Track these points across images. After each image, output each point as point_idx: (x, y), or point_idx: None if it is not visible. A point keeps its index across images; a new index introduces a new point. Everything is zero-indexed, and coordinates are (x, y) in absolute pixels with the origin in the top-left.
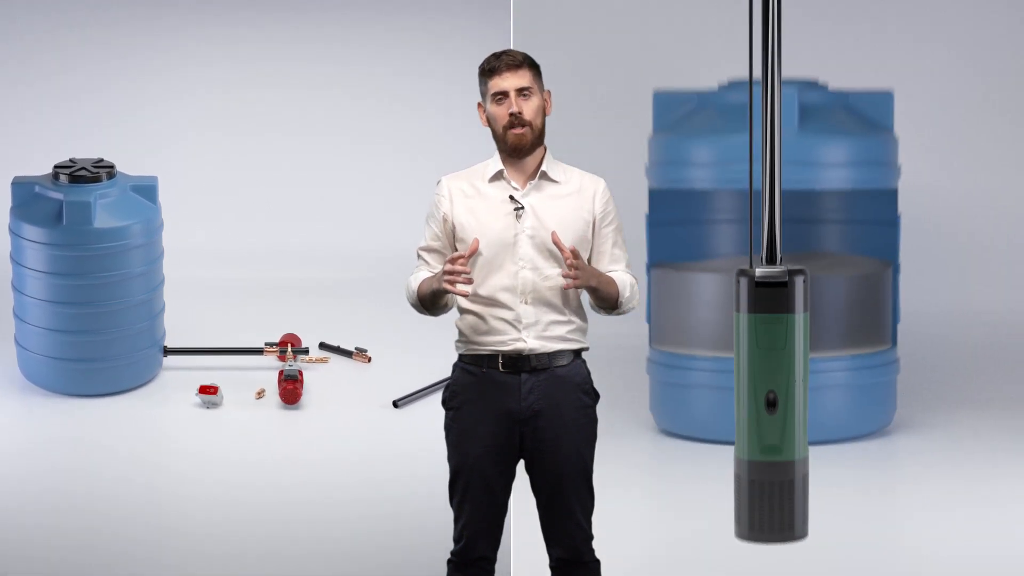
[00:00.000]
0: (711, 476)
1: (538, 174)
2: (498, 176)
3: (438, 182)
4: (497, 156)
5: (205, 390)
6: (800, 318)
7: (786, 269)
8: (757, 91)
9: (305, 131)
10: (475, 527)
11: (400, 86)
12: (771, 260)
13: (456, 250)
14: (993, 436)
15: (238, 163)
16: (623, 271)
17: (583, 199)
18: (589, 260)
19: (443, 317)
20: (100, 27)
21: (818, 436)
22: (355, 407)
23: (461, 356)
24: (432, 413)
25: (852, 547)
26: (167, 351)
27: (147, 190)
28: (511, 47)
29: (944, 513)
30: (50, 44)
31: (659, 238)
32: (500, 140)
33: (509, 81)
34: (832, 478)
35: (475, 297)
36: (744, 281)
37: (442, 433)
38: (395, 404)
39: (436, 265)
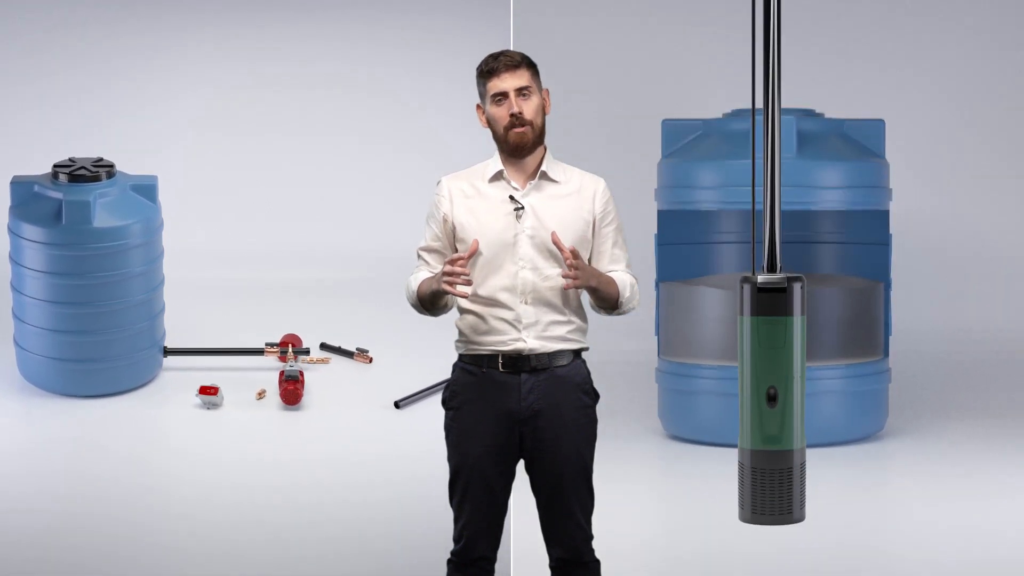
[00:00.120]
0: (715, 477)
1: (538, 174)
2: (498, 176)
3: (438, 182)
4: (497, 156)
5: (205, 391)
6: (798, 320)
7: (785, 276)
8: (759, 119)
9: (305, 131)
10: (475, 527)
11: (400, 86)
12: (772, 268)
13: (456, 250)
14: (979, 443)
15: (238, 163)
16: (623, 271)
17: (583, 199)
18: (589, 260)
19: (443, 317)
20: (100, 26)
21: (814, 439)
22: (356, 408)
23: (461, 356)
24: (433, 414)
25: (847, 543)
26: (167, 351)
27: (147, 189)
28: (510, 47)
29: (932, 512)
30: (49, 43)
31: (667, 256)
32: (501, 141)
33: (508, 82)
34: (827, 478)
35: (475, 297)
36: (747, 287)
37: (443, 434)
38: (397, 405)
39: (436, 265)
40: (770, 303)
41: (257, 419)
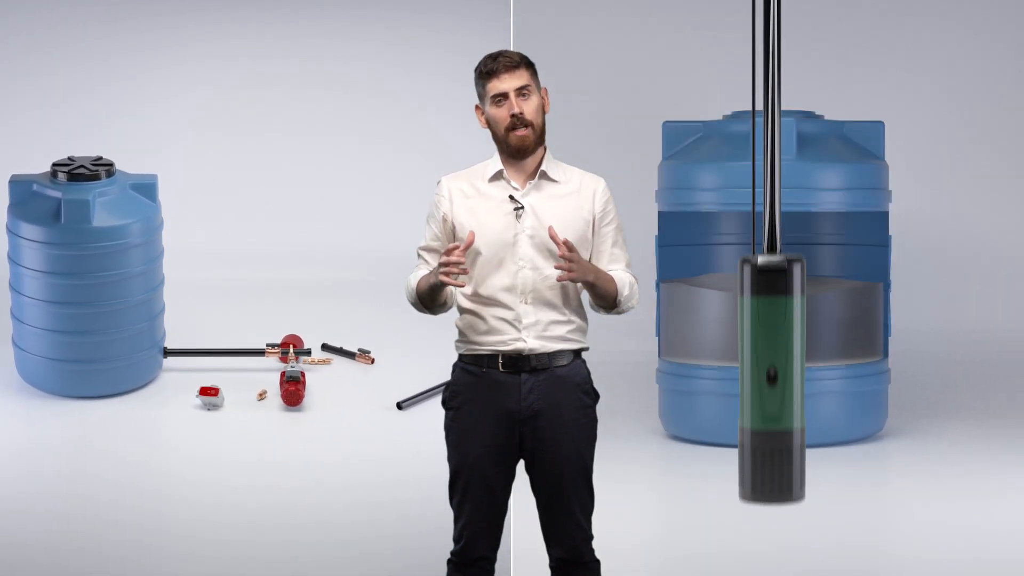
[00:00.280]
0: (715, 477)
1: (538, 174)
2: (498, 176)
3: (438, 182)
4: (497, 156)
5: (206, 392)
6: (798, 300)
7: (785, 257)
8: (759, 121)
9: (305, 131)
10: (475, 527)
11: (401, 86)
12: (772, 248)
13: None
14: (979, 443)
15: (238, 162)
16: (623, 270)
17: (583, 198)
18: (589, 259)
19: (443, 317)
20: (99, 24)
21: (815, 439)
22: (358, 409)
23: (461, 356)
24: (435, 415)
25: (847, 543)
26: (167, 352)
27: (147, 188)
28: (510, 47)
29: (932, 512)
30: (49, 41)
31: (668, 257)
32: (501, 142)
33: (508, 82)
34: (827, 478)
35: (475, 297)
36: (747, 268)
37: (444, 434)
38: (399, 406)
39: (435, 265)
40: (770, 283)
41: (258, 420)
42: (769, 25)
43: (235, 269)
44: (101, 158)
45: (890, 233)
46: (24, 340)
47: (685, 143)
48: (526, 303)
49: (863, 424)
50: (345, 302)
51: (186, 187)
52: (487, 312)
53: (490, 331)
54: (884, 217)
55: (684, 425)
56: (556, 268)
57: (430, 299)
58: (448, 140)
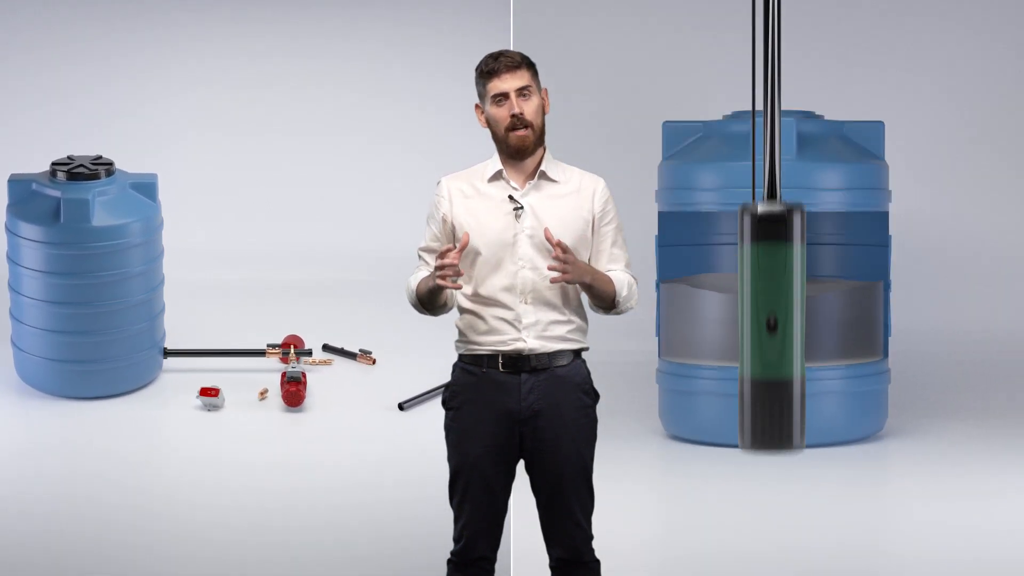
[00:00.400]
0: (715, 477)
1: (537, 174)
2: (497, 176)
3: (438, 183)
4: (496, 156)
5: (206, 392)
6: (798, 248)
7: (785, 205)
8: (759, 121)
9: (306, 131)
10: (475, 527)
11: (401, 86)
12: (772, 195)
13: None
14: (979, 443)
15: (239, 162)
16: (622, 270)
17: (582, 198)
18: (589, 259)
19: (444, 317)
20: (99, 23)
21: (815, 439)
22: (359, 409)
23: (461, 356)
24: (437, 415)
25: (847, 543)
26: (167, 353)
27: (147, 187)
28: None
29: (932, 512)
30: (48, 39)
31: (668, 257)
32: (501, 142)
33: (508, 82)
34: (827, 478)
35: (475, 297)
36: (748, 215)
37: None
38: (400, 406)
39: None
40: (770, 229)
41: (259, 421)
42: (769, 24)
43: (235, 269)
44: (101, 157)
45: (890, 233)
46: (23, 340)
47: (685, 143)
48: (526, 303)
49: (863, 424)
50: (346, 302)
51: (186, 187)
52: (487, 312)
53: (490, 331)
54: (884, 217)
55: (684, 425)
56: (550, 269)
57: (430, 301)
58: (448, 140)
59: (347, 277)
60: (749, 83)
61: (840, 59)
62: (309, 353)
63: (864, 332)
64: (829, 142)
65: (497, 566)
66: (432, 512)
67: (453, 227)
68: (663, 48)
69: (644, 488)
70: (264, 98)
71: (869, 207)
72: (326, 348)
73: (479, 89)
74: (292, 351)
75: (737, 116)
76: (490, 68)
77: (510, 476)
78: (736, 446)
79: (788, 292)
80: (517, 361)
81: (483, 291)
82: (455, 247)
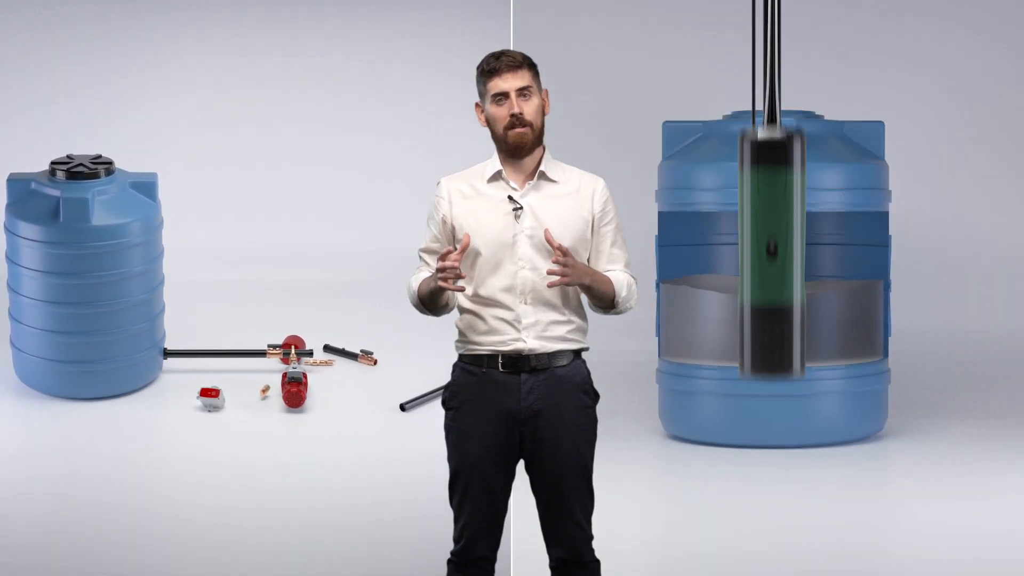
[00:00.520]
0: (715, 477)
1: (536, 174)
2: (497, 176)
3: (437, 183)
4: (496, 156)
5: (206, 393)
6: (797, 173)
7: (785, 130)
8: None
9: (307, 131)
10: (475, 527)
11: (401, 86)
12: (771, 120)
13: (455, 249)
14: (979, 443)
15: (240, 162)
16: (621, 270)
17: (582, 198)
18: (588, 259)
19: (446, 318)
20: (99, 22)
21: (815, 439)
22: (360, 410)
23: (461, 356)
24: (439, 416)
25: (847, 543)
26: (167, 353)
27: (146, 187)
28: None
29: (932, 512)
30: (47, 38)
31: (668, 257)
32: (500, 141)
33: (509, 82)
34: (827, 478)
35: (475, 297)
36: (748, 142)
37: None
38: (402, 407)
39: (436, 265)
40: (770, 154)
41: (259, 422)
42: (769, 25)
43: (236, 269)
44: (100, 156)
45: (890, 233)
46: (22, 341)
47: (685, 143)
48: (526, 303)
49: (863, 424)
50: (347, 303)
51: (186, 187)
52: (487, 312)
53: (490, 331)
54: (884, 217)
55: (684, 425)
56: (549, 273)
57: (432, 302)
58: (449, 140)
59: (348, 277)
60: (749, 83)
61: (840, 59)
62: (310, 354)
63: (864, 332)
64: (829, 142)
65: (497, 566)
66: (433, 512)
67: (453, 228)
68: (663, 48)
69: (644, 488)
70: (264, 98)
71: (869, 207)
72: (327, 349)
73: (480, 88)
74: (293, 352)
75: (737, 116)
76: (491, 67)
77: (510, 476)
78: (736, 446)
79: (788, 217)
80: (517, 361)
81: (483, 291)
82: (455, 249)
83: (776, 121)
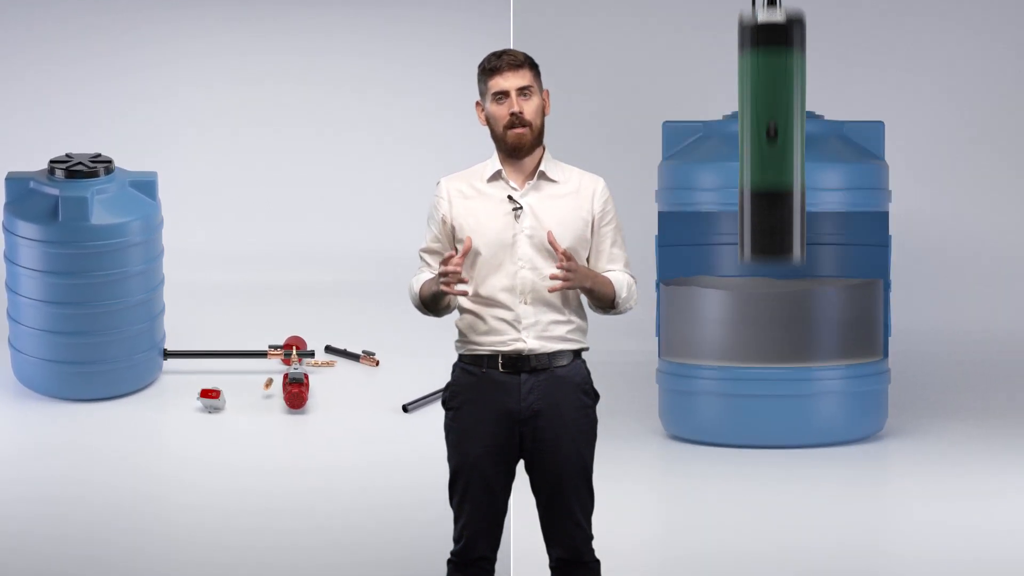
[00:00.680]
0: (715, 477)
1: (536, 174)
2: (497, 176)
3: (437, 183)
4: (496, 156)
5: (207, 394)
6: (798, 55)
7: (785, 12)
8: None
9: (309, 131)
10: (475, 527)
11: (402, 86)
12: (772, 3)
13: (457, 251)
14: (979, 443)
15: (240, 162)
16: (621, 270)
17: (582, 198)
18: (588, 259)
19: (448, 319)
20: (98, 19)
21: (815, 439)
22: (362, 411)
23: (461, 356)
24: (442, 417)
25: (847, 543)
26: (167, 354)
27: (146, 186)
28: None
29: (932, 512)
30: (46, 35)
31: (667, 257)
32: (499, 140)
33: (510, 81)
34: (827, 478)
35: (475, 297)
36: (748, 24)
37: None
38: (405, 408)
39: (437, 266)
40: (770, 36)
41: (260, 423)
42: None
43: (236, 270)
44: (100, 155)
45: (890, 233)
46: (21, 341)
47: (685, 143)
48: (526, 303)
49: (863, 424)
50: (349, 303)
51: (186, 187)
52: (487, 312)
53: (490, 331)
54: (884, 217)
55: (684, 425)
56: (552, 278)
57: (433, 304)
58: (450, 140)
59: (350, 278)
60: None
61: (840, 59)
62: (311, 354)
63: (864, 332)
64: (829, 142)
65: (497, 566)
66: (434, 513)
67: (453, 228)
68: (663, 48)
69: (644, 488)
70: (264, 97)
71: (869, 207)
72: (329, 350)
73: (481, 86)
74: (294, 352)
75: (737, 116)
76: (493, 66)
77: (510, 476)
78: (736, 446)
79: (788, 100)
80: (517, 361)
81: (483, 291)
82: (457, 253)
83: (777, 3)
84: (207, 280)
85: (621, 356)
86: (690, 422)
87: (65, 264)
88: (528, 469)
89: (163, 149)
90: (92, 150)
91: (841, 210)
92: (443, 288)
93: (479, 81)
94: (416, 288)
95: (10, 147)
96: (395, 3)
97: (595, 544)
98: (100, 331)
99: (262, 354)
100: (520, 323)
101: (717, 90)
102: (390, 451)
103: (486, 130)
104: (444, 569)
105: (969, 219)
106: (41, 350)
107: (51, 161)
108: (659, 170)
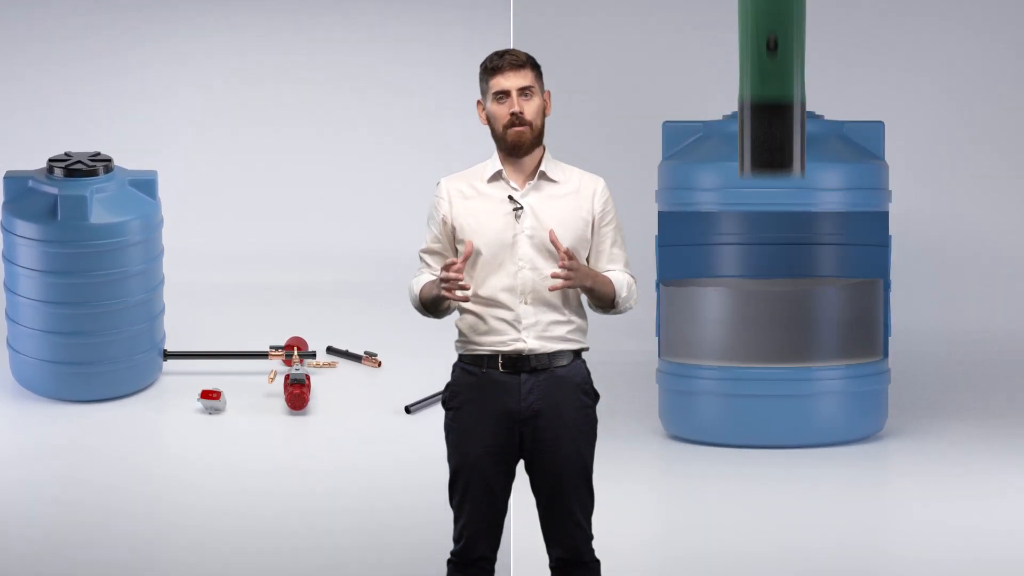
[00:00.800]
0: (715, 477)
1: (537, 174)
2: (497, 176)
3: (437, 184)
4: (496, 156)
5: (207, 395)
6: None
7: None
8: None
9: (310, 131)
10: (475, 527)
11: (402, 86)
12: None
13: (457, 251)
14: (979, 443)
15: (240, 162)
16: (621, 270)
17: (582, 199)
18: (588, 259)
19: (448, 320)
20: (98, 17)
21: (815, 439)
22: (364, 412)
23: (461, 356)
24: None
25: (847, 543)
26: (167, 355)
27: (146, 185)
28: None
29: (932, 512)
30: (46, 34)
31: (668, 257)
32: (499, 139)
33: (512, 80)
34: (827, 478)
35: (475, 297)
36: None
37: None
38: (407, 410)
39: (437, 267)
40: None
41: (262, 424)
42: None
43: (237, 270)
44: (99, 154)
45: (890, 233)
46: (19, 342)
47: (685, 143)
48: (526, 303)
49: (863, 424)
50: (350, 304)
51: (187, 186)
52: (487, 313)
53: (490, 331)
54: (884, 217)
55: (684, 425)
56: (553, 276)
57: (433, 306)
58: (450, 140)
59: (351, 278)
60: None
61: (840, 59)
62: (313, 355)
63: (864, 332)
64: (829, 142)
65: (497, 566)
66: (435, 513)
67: (453, 228)
68: (663, 48)
69: (644, 488)
70: (264, 97)
71: (869, 207)
72: (330, 350)
73: (482, 85)
74: (295, 353)
75: (737, 116)
76: (494, 65)
77: (510, 476)
78: (736, 446)
79: (788, 11)
80: (517, 361)
81: (483, 292)
82: (458, 259)
83: None
84: (207, 280)
85: (621, 356)
86: (690, 422)
87: (64, 264)
88: (528, 469)
89: (163, 149)
90: (91, 148)
91: (841, 210)
92: (444, 294)
93: (481, 80)
94: (416, 290)
95: (9, 146)
96: (395, 3)
97: (595, 544)
98: (100, 331)
99: (263, 355)
100: (520, 323)
101: (717, 90)
102: (392, 452)
103: (486, 130)
104: (444, 569)
105: (969, 219)
106: (40, 351)
107: (50, 160)
108: (659, 170)
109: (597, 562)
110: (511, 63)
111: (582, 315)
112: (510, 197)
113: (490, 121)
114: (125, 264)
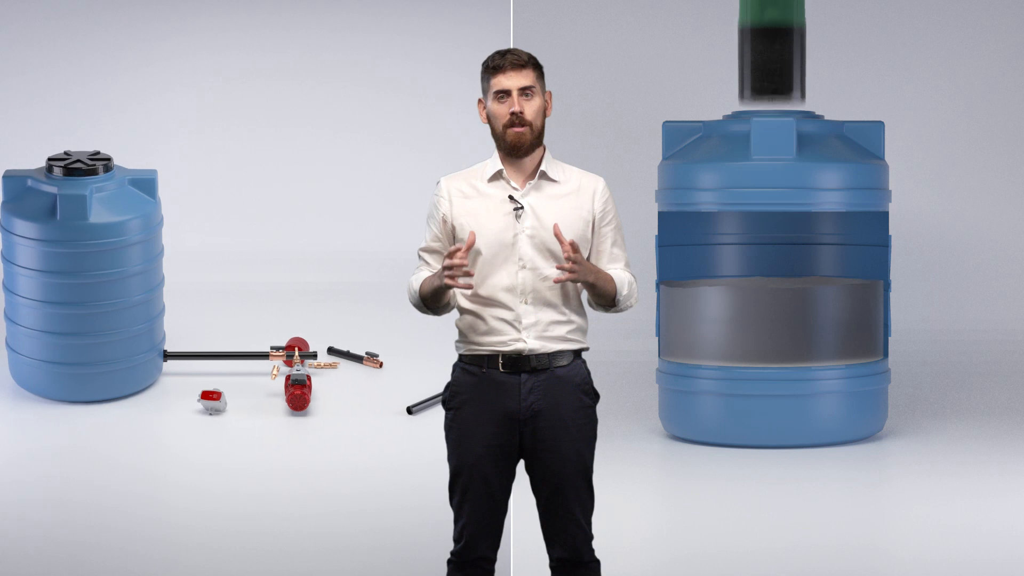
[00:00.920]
0: (715, 477)
1: (537, 174)
2: (497, 176)
3: (437, 183)
4: (496, 156)
5: (208, 396)
6: None
7: None
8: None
9: (310, 130)
10: (475, 527)
11: (403, 86)
12: None
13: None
14: (979, 443)
15: (240, 162)
16: (622, 269)
17: (582, 198)
18: (588, 259)
19: (449, 319)
20: (97, 15)
21: (814, 439)
22: (365, 413)
23: (461, 356)
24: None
25: (847, 543)
26: (167, 355)
27: (146, 184)
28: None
29: (932, 512)
30: (45, 32)
31: (667, 257)
32: (499, 138)
33: (513, 80)
34: (827, 478)
35: (475, 297)
36: None
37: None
38: (409, 411)
39: (436, 266)
40: None
41: (262, 425)
42: None
43: (237, 270)
44: (98, 152)
45: (890, 233)
46: (18, 342)
47: (685, 143)
48: (526, 303)
49: (863, 424)
50: (350, 304)
51: (187, 186)
52: (487, 312)
53: (490, 331)
54: (884, 217)
55: (684, 425)
56: (558, 268)
57: (433, 301)
58: (451, 140)
59: (351, 278)
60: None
61: (840, 59)
62: (314, 356)
63: (864, 332)
64: (829, 142)
65: (497, 566)
66: (435, 513)
67: (453, 227)
68: (663, 48)
69: (644, 488)
70: (265, 97)
71: (869, 207)
72: (331, 351)
73: (483, 84)
74: (296, 354)
75: (737, 116)
76: (496, 64)
77: (510, 476)
78: (736, 446)
79: None
80: (517, 361)
81: (483, 291)
82: (462, 247)
83: None
84: (207, 280)
85: (621, 356)
86: (690, 422)
87: (63, 263)
88: (528, 469)
89: (163, 148)
90: (91, 147)
91: (841, 210)
92: (447, 282)
93: (482, 79)
94: (416, 286)
95: (8, 144)
96: (395, 3)
97: (595, 544)
98: (99, 332)
99: (264, 355)
100: (520, 323)
101: (717, 90)
102: (393, 453)
103: (486, 129)
104: (444, 569)
105: (969, 219)
106: (39, 351)
107: (49, 159)
108: (659, 170)
109: (597, 562)
110: (512, 62)
111: (582, 315)
112: (510, 197)
113: (490, 120)
114: (125, 264)
